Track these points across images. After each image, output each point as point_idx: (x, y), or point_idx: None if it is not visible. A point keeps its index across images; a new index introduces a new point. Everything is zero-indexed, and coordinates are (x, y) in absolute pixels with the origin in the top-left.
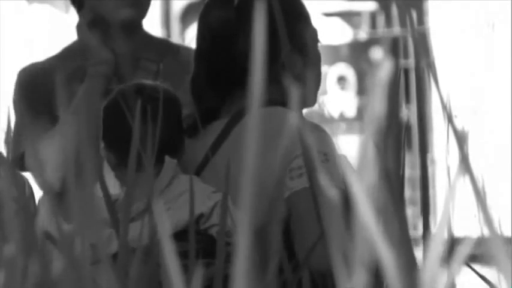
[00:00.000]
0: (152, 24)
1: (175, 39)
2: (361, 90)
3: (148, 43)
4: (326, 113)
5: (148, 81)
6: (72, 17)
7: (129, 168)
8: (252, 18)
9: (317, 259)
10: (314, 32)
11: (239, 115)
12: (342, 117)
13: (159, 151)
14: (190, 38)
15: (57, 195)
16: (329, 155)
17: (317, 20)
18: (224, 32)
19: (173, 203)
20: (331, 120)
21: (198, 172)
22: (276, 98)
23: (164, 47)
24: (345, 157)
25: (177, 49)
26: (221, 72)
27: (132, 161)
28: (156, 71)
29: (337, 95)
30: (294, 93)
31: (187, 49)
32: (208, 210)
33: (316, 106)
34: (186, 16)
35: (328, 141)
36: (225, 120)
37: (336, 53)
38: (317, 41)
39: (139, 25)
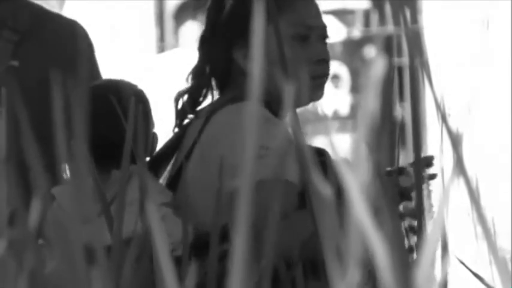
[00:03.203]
0: (146, 22)
1: (169, 37)
2: (355, 88)
3: (18, 11)
4: (319, 111)
5: (121, 80)
6: (66, 15)
7: (123, 165)
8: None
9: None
10: (286, 29)
11: (211, 114)
12: (336, 116)
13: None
14: (184, 36)
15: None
16: (270, 150)
17: None
18: (213, 32)
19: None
20: (324, 118)
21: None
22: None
23: (36, 16)
24: (307, 151)
25: (53, 18)
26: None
27: (126, 159)
28: (16, 42)
29: (330, 93)
30: (286, 90)
31: (65, 19)
32: None
33: (309, 105)
34: (179, 14)
35: (275, 135)
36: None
37: (330, 51)
38: (294, 38)
39: None
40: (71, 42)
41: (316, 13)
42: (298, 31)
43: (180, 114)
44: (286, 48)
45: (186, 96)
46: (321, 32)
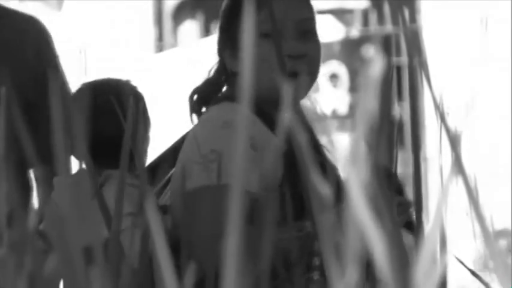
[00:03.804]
0: (144, 22)
1: (167, 37)
2: (354, 87)
3: None
4: (318, 110)
5: (119, 79)
6: (65, 15)
7: (121, 167)
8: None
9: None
10: (256, 27)
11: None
12: (334, 115)
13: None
14: (183, 36)
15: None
16: (222, 155)
17: None
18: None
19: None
20: (323, 117)
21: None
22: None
23: None
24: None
25: (9, 14)
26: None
27: (125, 159)
28: None
29: (329, 93)
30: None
31: (22, 15)
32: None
33: (308, 103)
34: (178, 14)
35: (229, 140)
36: None
37: (328, 51)
38: (262, 36)
39: None
40: (28, 38)
41: (290, 8)
42: (267, 28)
43: (194, 110)
44: (255, 47)
45: (197, 93)
46: (297, 27)
